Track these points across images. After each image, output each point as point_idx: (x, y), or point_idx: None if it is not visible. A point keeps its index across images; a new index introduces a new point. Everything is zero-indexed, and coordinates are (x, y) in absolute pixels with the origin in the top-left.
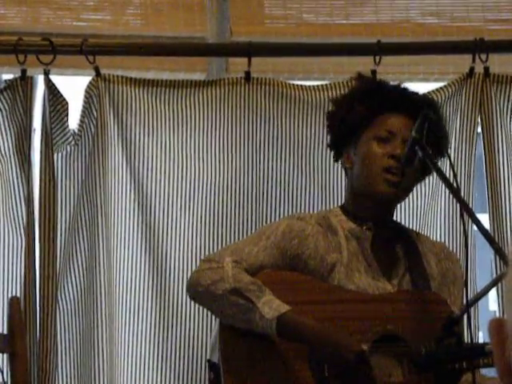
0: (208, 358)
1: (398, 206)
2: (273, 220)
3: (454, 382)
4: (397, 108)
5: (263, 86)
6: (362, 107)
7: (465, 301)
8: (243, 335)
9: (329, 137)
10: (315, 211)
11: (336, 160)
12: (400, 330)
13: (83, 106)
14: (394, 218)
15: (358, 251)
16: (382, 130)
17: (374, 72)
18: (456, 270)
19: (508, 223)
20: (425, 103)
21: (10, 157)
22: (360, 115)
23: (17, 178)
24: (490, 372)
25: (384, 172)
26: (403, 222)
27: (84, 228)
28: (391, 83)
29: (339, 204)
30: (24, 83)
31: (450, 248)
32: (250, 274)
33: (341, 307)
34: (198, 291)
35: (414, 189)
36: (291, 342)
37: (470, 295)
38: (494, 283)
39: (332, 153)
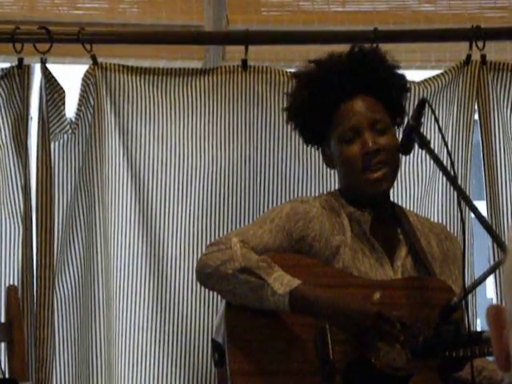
0: (212, 337)
1: (395, 194)
2: (269, 208)
3: (457, 369)
4: (353, 92)
5: (260, 74)
6: (315, 111)
7: (462, 289)
8: (248, 316)
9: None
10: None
11: (318, 148)
12: (405, 316)
13: (80, 95)
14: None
15: (360, 234)
16: (345, 131)
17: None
18: (456, 250)
19: (505, 210)
20: (377, 67)
21: (7, 145)
22: (316, 119)
23: (14, 166)
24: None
25: (363, 172)
26: None
27: (81, 216)
28: (335, 59)
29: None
30: (21, 72)
31: None
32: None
33: (346, 292)
34: (207, 273)
35: (411, 176)
36: (305, 315)
37: (468, 282)
38: (491, 270)
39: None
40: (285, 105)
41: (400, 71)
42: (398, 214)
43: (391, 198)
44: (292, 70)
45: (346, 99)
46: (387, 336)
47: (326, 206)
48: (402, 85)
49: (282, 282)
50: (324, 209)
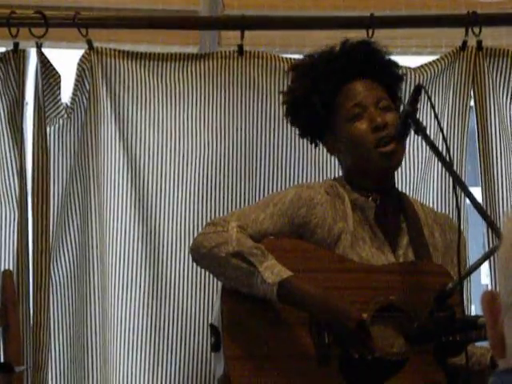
0: (211, 322)
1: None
2: (266, 194)
3: (455, 353)
4: (352, 76)
5: (256, 60)
6: (318, 97)
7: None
8: (245, 300)
9: (296, 129)
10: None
11: (315, 146)
12: (403, 301)
13: (76, 79)
14: None
15: (363, 221)
16: (350, 109)
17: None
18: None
19: (500, 196)
20: (371, 53)
21: (2, 130)
22: (320, 105)
23: (9, 151)
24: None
25: (377, 147)
26: None
27: (77, 201)
28: (330, 50)
29: (334, 176)
30: (16, 56)
31: None
32: (255, 240)
33: (344, 276)
34: (202, 253)
35: (407, 162)
36: (292, 307)
37: (463, 268)
38: (486, 257)
39: (310, 138)
40: (282, 97)
41: (395, 59)
42: (403, 202)
43: None
44: (288, 56)
45: (347, 82)
46: (362, 346)
47: (331, 192)
48: (398, 72)
49: (272, 271)
50: (328, 195)
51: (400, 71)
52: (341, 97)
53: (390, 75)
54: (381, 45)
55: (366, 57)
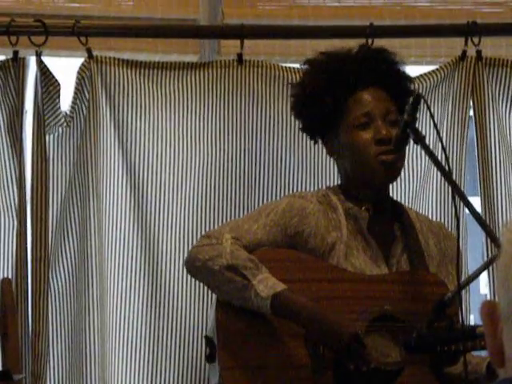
0: (206, 333)
1: (390, 189)
2: (265, 202)
3: (451, 362)
4: (366, 83)
5: (255, 69)
6: (330, 98)
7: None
8: (240, 312)
9: (299, 123)
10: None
11: (315, 142)
12: (397, 310)
13: (75, 88)
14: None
15: (356, 230)
16: (359, 117)
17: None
18: (454, 249)
19: (499, 206)
20: (388, 63)
21: (1, 138)
22: (331, 106)
23: (8, 159)
24: (480, 354)
25: (377, 156)
26: None
27: (76, 210)
28: (347, 52)
29: (331, 185)
30: (16, 64)
31: None
32: (249, 251)
33: (338, 286)
34: (196, 266)
35: (406, 172)
36: (285, 320)
37: (462, 278)
38: (485, 266)
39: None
40: (291, 89)
41: (410, 74)
42: (397, 210)
43: None
44: (288, 65)
45: (361, 88)
46: (358, 358)
47: (324, 202)
48: (409, 87)
49: (266, 284)
50: (321, 204)
51: (412, 86)
52: (351, 102)
53: (403, 89)
54: (398, 56)
55: (383, 65)
